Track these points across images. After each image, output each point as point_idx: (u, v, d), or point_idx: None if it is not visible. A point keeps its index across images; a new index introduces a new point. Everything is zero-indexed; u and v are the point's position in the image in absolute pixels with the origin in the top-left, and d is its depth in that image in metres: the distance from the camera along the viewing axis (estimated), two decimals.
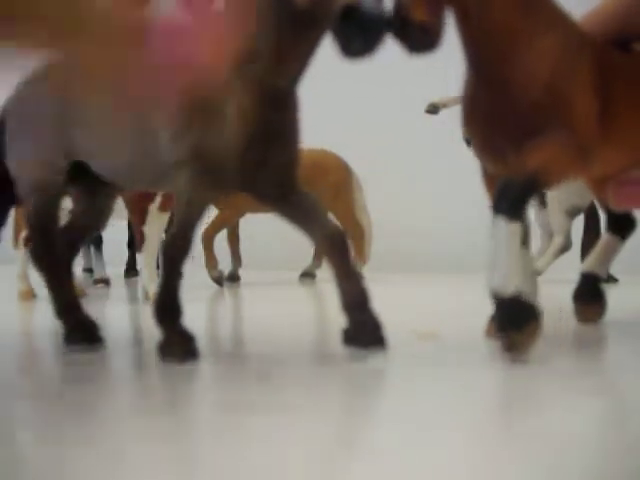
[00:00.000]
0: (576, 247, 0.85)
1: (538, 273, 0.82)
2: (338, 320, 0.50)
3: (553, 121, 0.31)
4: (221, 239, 0.87)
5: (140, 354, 0.37)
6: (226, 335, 0.43)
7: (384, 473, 0.18)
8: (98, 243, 0.89)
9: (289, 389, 0.27)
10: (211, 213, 0.85)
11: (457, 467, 0.18)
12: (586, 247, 0.85)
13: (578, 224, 0.85)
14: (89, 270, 1.03)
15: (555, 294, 0.69)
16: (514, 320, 0.30)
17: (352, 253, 0.90)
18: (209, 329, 0.44)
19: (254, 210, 0.87)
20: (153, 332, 0.45)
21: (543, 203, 0.83)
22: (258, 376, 0.30)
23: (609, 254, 0.44)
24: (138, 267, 1.08)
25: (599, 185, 0.40)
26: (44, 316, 0.52)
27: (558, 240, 0.82)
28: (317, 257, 0.94)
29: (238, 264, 0.90)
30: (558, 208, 0.75)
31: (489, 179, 0.36)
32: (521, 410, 0.24)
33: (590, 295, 0.43)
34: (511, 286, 0.29)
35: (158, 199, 0.62)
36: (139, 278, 1.01)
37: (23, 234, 0.69)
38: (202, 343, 0.40)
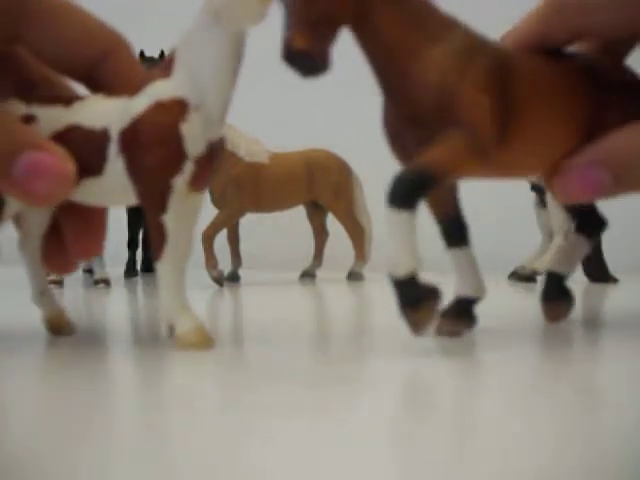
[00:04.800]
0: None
1: (538, 273, 0.82)
2: (338, 320, 0.49)
3: (447, 120, 0.33)
4: (221, 239, 0.87)
5: (140, 354, 0.37)
6: (226, 335, 0.43)
7: (385, 473, 0.18)
8: None
9: (289, 389, 0.27)
10: (211, 213, 0.85)
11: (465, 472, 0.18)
12: None
13: None
14: (89, 271, 1.03)
15: None
16: (411, 299, 0.32)
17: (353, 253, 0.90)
18: (209, 329, 0.44)
19: (254, 210, 0.87)
20: (153, 332, 0.45)
21: (543, 203, 0.83)
22: (258, 376, 0.30)
23: (577, 253, 0.44)
24: (137, 267, 1.08)
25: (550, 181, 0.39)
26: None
27: (558, 240, 0.82)
28: (317, 257, 0.94)
29: (238, 264, 0.90)
30: (558, 208, 0.75)
31: None
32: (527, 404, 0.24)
33: (557, 294, 0.43)
34: (404, 268, 0.32)
35: None
36: (138, 278, 1.02)
37: None
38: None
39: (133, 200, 0.36)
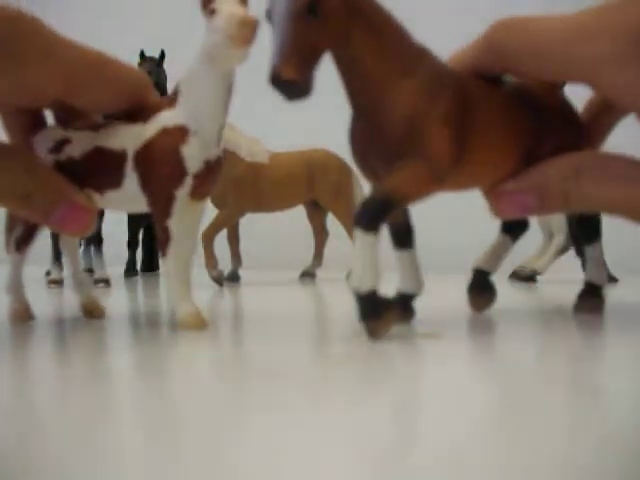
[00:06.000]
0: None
1: (538, 273, 0.82)
2: (338, 320, 0.49)
3: (412, 150, 0.37)
4: (221, 239, 0.87)
5: (140, 353, 0.37)
6: (226, 334, 0.43)
7: (383, 472, 0.18)
8: (98, 243, 0.89)
9: (289, 388, 0.27)
10: (211, 213, 0.85)
11: (459, 462, 0.18)
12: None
13: None
14: (89, 270, 1.03)
15: (555, 294, 0.69)
16: (371, 311, 0.37)
17: None
18: (209, 328, 0.44)
19: (254, 210, 0.87)
20: (152, 331, 0.45)
21: None
22: (257, 375, 0.30)
23: (500, 252, 0.50)
24: (137, 267, 1.09)
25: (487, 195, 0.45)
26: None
27: (558, 240, 0.82)
28: (317, 257, 0.94)
29: (238, 264, 0.90)
30: None
31: None
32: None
33: (481, 287, 0.49)
34: (366, 285, 0.36)
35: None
36: (138, 278, 1.02)
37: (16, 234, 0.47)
38: (202, 343, 0.40)
39: (145, 207, 0.44)
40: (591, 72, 0.37)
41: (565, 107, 0.46)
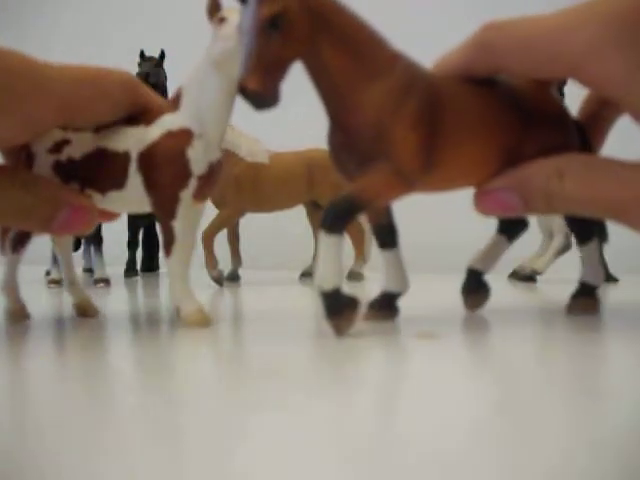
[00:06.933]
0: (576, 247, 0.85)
1: (538, 273, 0.82)
2: None
3: (380, 154, 0.38)
4: (221, 239, 0.87)
5: (140, 353, 0.37)
6: (226, 334, 0.43)
7: (384, 472, 0.18)
8: (98, 243, 0.89)
9: (289, 388, 0.27)
10: (211, 213, 0.85)
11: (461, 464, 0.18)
12: None
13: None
14: (89, 270, 1.03)
15: (555, 294, 0.69)
16: (334, 309, 0.38)
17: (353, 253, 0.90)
18: (209, 328, 0.44)
19: (254, 210, 0.87)
20: (152, 331, 0.45)
21: None
22: (257, 374, 0.30)
23: (495, 252, 0.49)
24: (138, 267, 1.08)
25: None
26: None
27: (558, 240, 0.82)
28: (317, 257, 0.94)
29: (238, 264, 0.90)
30: None
31: None
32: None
33: (475, 287, 0.49)
34: (329, 284, 0.37)
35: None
36: (138, 278, 1.02)
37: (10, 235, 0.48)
38: (202, 342, 0.40)
39: (148, 208, 0.44)
40: (576, 64, 0.37)
41: (555, 107, 0.46)
